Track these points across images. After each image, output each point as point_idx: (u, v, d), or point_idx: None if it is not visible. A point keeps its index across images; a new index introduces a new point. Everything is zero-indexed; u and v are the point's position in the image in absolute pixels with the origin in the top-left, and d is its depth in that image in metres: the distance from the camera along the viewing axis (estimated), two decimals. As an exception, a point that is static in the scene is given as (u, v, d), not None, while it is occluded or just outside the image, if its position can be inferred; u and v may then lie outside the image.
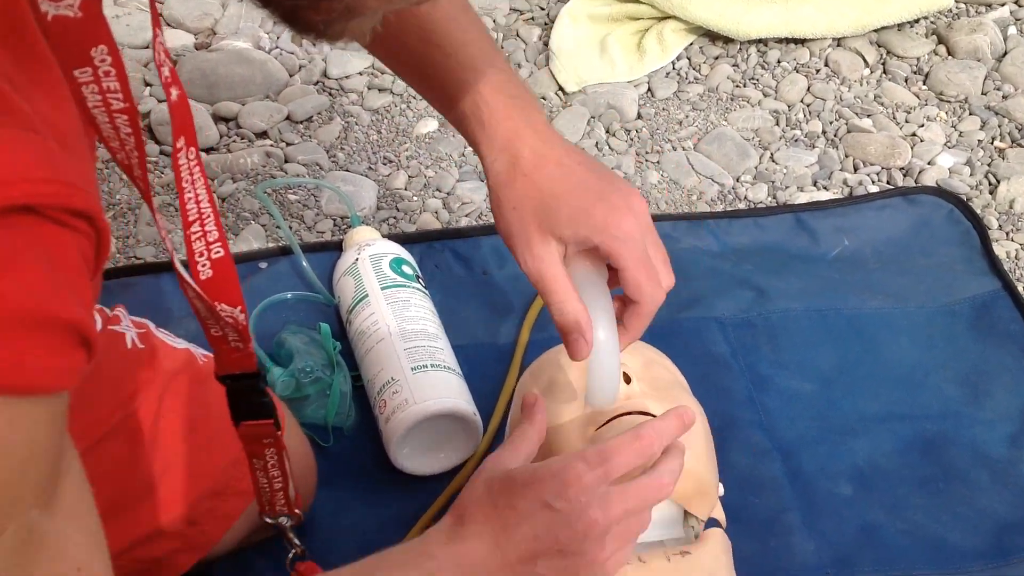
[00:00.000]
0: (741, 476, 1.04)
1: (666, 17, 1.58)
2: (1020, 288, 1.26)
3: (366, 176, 1.37)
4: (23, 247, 0.42)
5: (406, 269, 1.16)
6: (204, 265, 0.63)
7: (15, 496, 0.45)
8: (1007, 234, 1.35)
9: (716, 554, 0.82)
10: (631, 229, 0.77)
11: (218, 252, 0.63)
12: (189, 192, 0.62)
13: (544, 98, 1.51)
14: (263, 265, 1.23)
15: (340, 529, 1.01)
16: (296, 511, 0.80)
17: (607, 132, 1.47)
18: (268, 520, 0.80)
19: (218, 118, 1.42)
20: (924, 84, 1.55)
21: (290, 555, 0.82)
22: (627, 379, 0.83)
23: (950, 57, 1.58)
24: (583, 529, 0.67)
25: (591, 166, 0.80)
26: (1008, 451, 1.09)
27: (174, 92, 0.59)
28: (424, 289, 1.16)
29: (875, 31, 1.60)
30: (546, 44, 1.57)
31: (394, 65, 0.89)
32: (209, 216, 0.63)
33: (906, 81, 1.56)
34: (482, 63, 0.81)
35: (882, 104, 1.52)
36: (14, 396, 0.43)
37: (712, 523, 0.89)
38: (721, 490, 0.89)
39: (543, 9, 1.65)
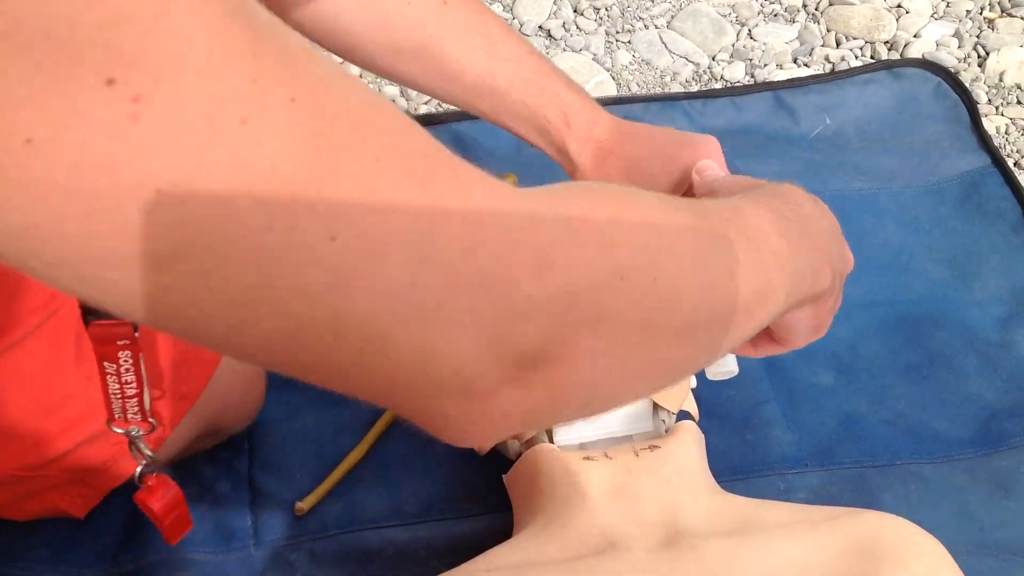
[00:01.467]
0: (716, 368, 0.99)
1: None
2: (1011, 164, 1.20)
3: (318, 62, 1.29)
4: None
5: (358, 158, 1.08)
6: None
7: None
8: (996, 108, 1.28)
9: (687, 446, 0.77)
10: (718, 157, 0.78)
11: None
12: None
13: (507, -24, 1.42)
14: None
15: (292, 434, 0.95)
16: (149, 420, 0.72)
17: (575, 11, 1.39)
18: (117, 430, 0.72)
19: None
20: (910, -47, 1.46)
21: (139, 468, 0.74)
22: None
23: (938, -76, 1.49)
24: None
25: (657, 127, 0.83)
26: (999, 334, 1.04)
27: None
28: (379, 179, 1.08)
29: (858, -103, 1.51)
30: (509, -81, 1.48)
31: (454, 89, 0.85)
32: None
33: (891, -50, 1.47)
34: (546, 67, 0.82)
35: (866, -25, 1.44)
36: None
37: (684, 416, 0.83)
38: (693, 382, 0.84)
39: None
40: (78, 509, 0.84)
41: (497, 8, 1.38)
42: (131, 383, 0.70)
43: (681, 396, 0.80)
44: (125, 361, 0.68)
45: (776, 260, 0.52)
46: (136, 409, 0.71)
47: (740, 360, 1.01)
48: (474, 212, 0.38)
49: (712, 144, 0.80)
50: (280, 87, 0.33)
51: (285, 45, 0.35)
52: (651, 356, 0.44)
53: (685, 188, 0.78)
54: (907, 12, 1.38)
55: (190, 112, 0.30)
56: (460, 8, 0.81)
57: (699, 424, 0.83)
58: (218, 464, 0.93)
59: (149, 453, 0.73)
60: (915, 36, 1.35)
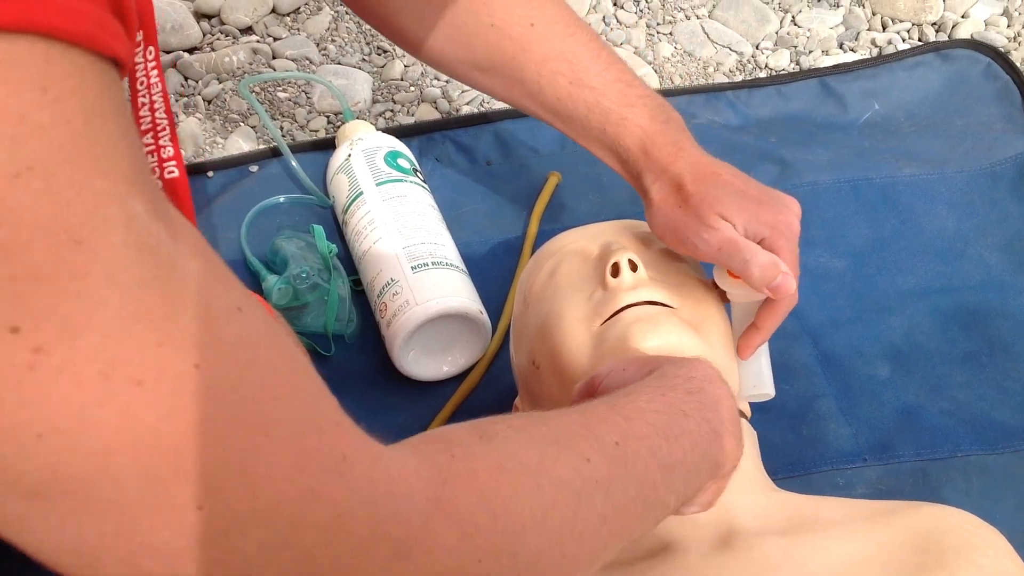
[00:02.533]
0: (769, 363, 0.97)
1: None
2: (1067, 144, 1.17)
3: (359, 68, 1.29)
4: None
5: (402, 163, 1.08)
6: None
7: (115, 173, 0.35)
8: (1051, 87, 1.25)
9: (740, 446, 0.76)
10: (796, 230, 0.78)
11: (172, 172, 0.57)
12: (143, 96, 0.55)
13: (546, -28, 1.42)
14: (254, 168, 1.16)
15: (346, 441, 0.95)
16: None
17: (614, 4, 1.38)
18: None
19: (200, 15, 1.34)
20: (956, -69, 1.43)
21: None
22: (633, 266, 0.76)
23: (984, -101, 1.46)
24: None
25: (744, 176, 0.81)
26: (1058, 320, 1.02)
27: None
28: (423, 183, 1.08)
29: None
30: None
31: (534, 107, 0.86)
32: (165, 129, 0.56)
33: (936, -72, 1.44)
34: (632, 95, 0.81)
35: (911, -45, 1.41)
36: (72, 45, 0.34)
37: (736, 415, 0.82)
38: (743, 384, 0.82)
39: None
40: None
41: (537, 5, 1.37)
42: None
43: (732, 395, 0.79)
44: None
45: (663, 474, 0.55)
46: None
47: (793, 352, 1.00)
48: (344, 500, 0.39)
49: (795, 210, 0.79)
50: (186, 352, 0.35)
51: (206, 306, 0.37)
52: None
53: (758, 237, 0.76)
54: (954, -8, 1.36)
55: (87, 368, 0.33)
56: (547, 31, 0.81)
57: (752, 421, 0.82)
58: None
59: None
60: (963, 16, 1.33)
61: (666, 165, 0.80)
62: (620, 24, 1.35)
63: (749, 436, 0.79)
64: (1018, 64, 1.25)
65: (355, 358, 1.01)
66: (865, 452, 0.93)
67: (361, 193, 1.05)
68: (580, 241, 0.83)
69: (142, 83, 0.55)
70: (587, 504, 0.50)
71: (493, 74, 0.83)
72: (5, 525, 0.35)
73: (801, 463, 0.92)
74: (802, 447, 0.93)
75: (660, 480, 0.56)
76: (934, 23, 1.33)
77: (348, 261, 1.06)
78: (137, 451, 0.34)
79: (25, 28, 0.32)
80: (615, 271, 0.76)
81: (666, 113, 0.82)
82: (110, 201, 0.34)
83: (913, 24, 1.33)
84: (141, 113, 0.55)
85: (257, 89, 1.25)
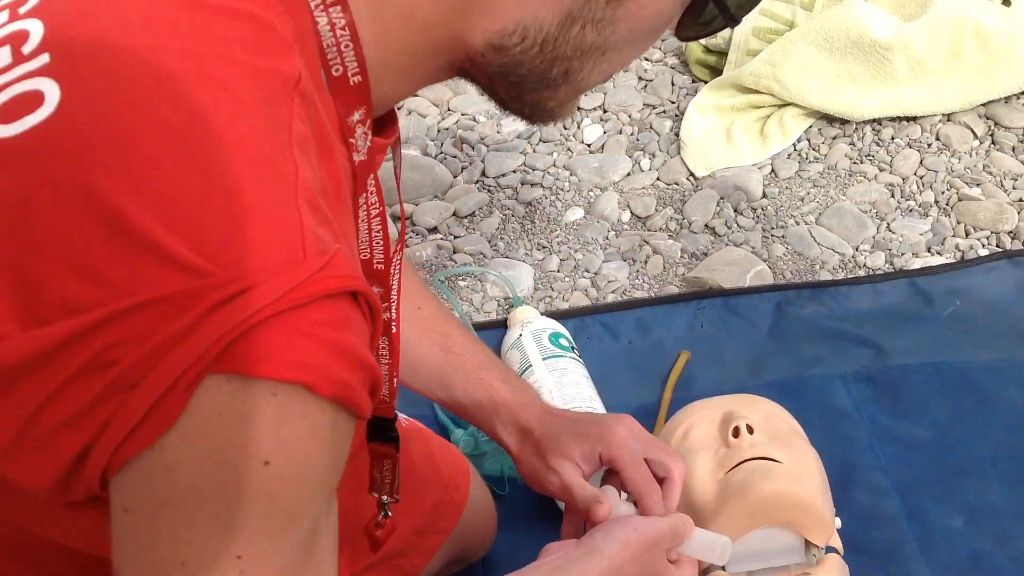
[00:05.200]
0: (863, 512, 1.19)
1: (786, 104, 1.75)
2: (1123, 338, 1.38)
3: (523, 261, 1.57)
4: (355, 317, 0.58)
5: (563, 341, 1.35)
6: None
7: (325, 489, 0.56)
8: (1112, 288, 1.46)
9: (834, 575, 0.98)
10: (624, 436, 0.92)
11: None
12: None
13: (676, 183, 1.70)
14: (441, 343, 1.43)
15: (516, 566, 1.19)
16: (396, 496, 0.87)
17: (735, 211, 1.64)
18: (373, 494, 0.88)
19: (395, 218, 1.64)
20: (1031, 151, 1.68)
21: (379, 517, 0.88)
22: (750, 430, 1.00)
23: (1055, 125, 1.71)
24: None
25: (576, 412, 1.00)
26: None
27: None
28: (579, 358, 1.35)
29: (983, 105, 1.74)
30: (677, 135, 1.76)
31: (411, 376, 1.02)
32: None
33: (1013, 150, 1.69)
34: (488, 363, 1.00)
35: (991, 173, 1.65)
36: (346, 411, 0.56)
37: (830, 551, 1.04)
38: (838, 523, 1.04)
39: (673, 103, 1.84)
40: None
41: (668, 211, 1.65)
42: (388, 477, 0.84)
43: (827, 533, 1.01)
44: (387, 467, 0.84)
45: None
46: (388, 488, 0.86)
47: (883, 504, 1.21)
48: None
49: (624, 423, 0.93)
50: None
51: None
52: None
53: (596, 457, 0.91)
54: (1028, 205, 1.59)
55: None
56: (428, 313, 1.02)
57: (847, 560, 1.03)
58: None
59: (387, 500, 0.87)
60: (1036, 226, 1.56)
61: (515, 416, 0.96)
62: (740, 228, 1.62)
63: (841, 568, 1.00)
64: (1081, 268, 1.47)
65: (524, 497, 1.25)
66: (942, 590, 1.14)
67: (530, 366, 1.32)
68: (707, 409, 1.08)
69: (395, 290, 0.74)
70: None
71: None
72: None
73: (888, 597, 1.13)
74: (889, 584, 1.14)
75: None
76: (1010, 232, 1.56)
77: (517, 419, 1.31)
78: None
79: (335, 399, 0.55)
80: (736, 433, 1.01)
81: (517, 380, 1.00)
82: None
83: (991, 232, 1.56)
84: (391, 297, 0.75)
85: (444, 278, 1.54)
